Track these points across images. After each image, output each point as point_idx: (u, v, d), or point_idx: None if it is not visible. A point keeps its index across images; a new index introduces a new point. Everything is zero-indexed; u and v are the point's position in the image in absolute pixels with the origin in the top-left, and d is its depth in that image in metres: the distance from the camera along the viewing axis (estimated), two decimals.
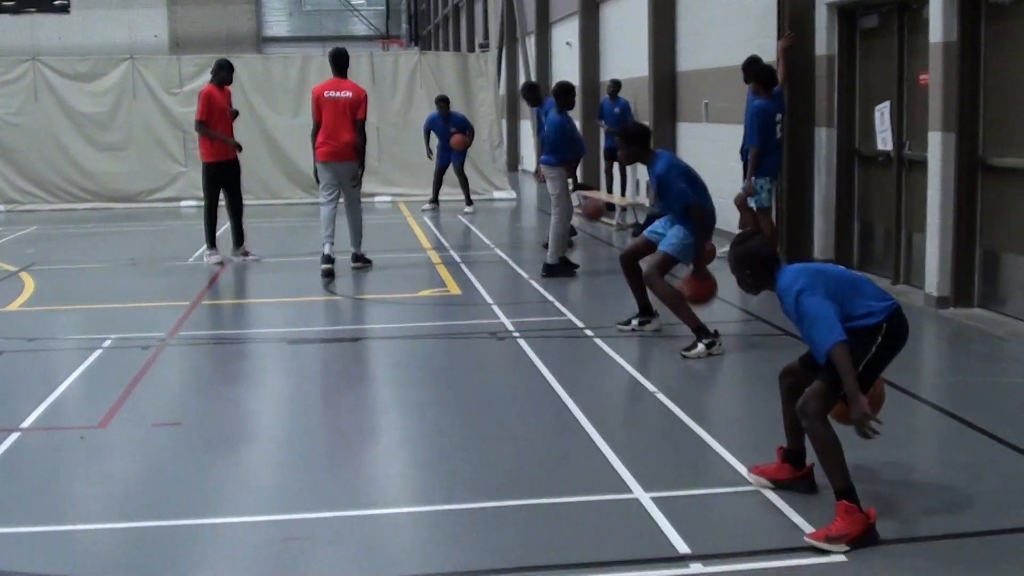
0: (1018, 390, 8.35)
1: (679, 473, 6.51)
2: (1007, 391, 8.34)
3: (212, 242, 15.10)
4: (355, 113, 13.92)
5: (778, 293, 5.72)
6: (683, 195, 9.55)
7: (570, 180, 14.46)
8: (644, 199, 19.90)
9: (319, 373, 9.46)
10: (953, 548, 5.33)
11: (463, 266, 14.49)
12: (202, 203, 22.63)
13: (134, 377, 8.84)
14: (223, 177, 15.17)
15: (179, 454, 7.03)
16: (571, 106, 14.01)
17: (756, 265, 5.80)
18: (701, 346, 9.28)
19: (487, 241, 17.43)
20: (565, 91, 14.00)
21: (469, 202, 21.87)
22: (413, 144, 23.40)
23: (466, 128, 21.86)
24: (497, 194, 24.52)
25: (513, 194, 24.81)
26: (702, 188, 9.77)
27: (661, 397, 8.00)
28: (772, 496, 5.95)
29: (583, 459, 6.74)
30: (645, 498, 5.95)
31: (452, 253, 15.84)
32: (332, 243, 13.90)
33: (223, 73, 15.34)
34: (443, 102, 21.72)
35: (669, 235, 9.63)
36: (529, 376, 8.74)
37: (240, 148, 15.33)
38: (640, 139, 9.85)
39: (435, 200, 22.03)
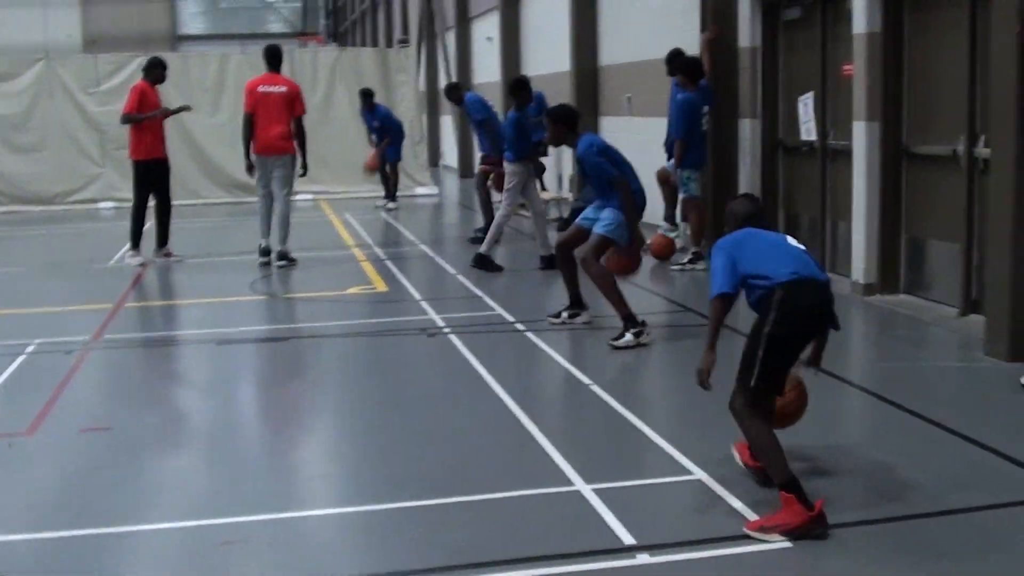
0: (949, 373, 8.46)
1: (619, 464, 6.48)
2: (938, 375, 8.44)
3: (137, 243, 14.82)
4: (291, 108, 14.26)
5: None
6: (603, 170, 9.45)
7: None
8: (567, 193, 19.93)
9: (250, 374, 9.32)
10: (898, 532, 5.35)
11: (388, 263, 14.39)
12: (121, 204, 22.65)
13: (60, 382, 8.64)
14: (153, 175, 14.86)
15: (110, 459, 6.86)
16: (528, 100, 13.92)
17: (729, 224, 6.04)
18: (629, 335, 9.27)
19: (411, 237, 17.34)
20: (520, 86, 14.02)
21: (393, 198, 21.76)
22: (334, 142, 23.27)
23: (391, 126, 21.71)
24: (419, 190, 24.44)
25: (435, 190, 24.74)
26: (629, 169, 9.69)
27: (596, 389, 7.98)
28: (714, 484, 5.95)
29: (523, 453, 6.69)
30: (587, 490, 5.91)
31: (376, 250, 15.72)
32: (267, 237, 14.46)
33: (156, 71, 15.03)
34: (364, 95, 21.63)
35: (603, 217, 9.56)
36: (462, 372, 8.68)
37: (189, 108, 15.87)
38: (566, 120, 9.78)
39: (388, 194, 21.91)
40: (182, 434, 7.54)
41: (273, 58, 14.61)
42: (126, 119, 14.65)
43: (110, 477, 6.53)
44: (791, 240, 5.90)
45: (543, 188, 20.64)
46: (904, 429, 7.00)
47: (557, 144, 10.16)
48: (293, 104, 14.29)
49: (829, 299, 5.73)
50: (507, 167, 13.73)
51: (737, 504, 5.67)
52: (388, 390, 8.35)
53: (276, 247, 14.38)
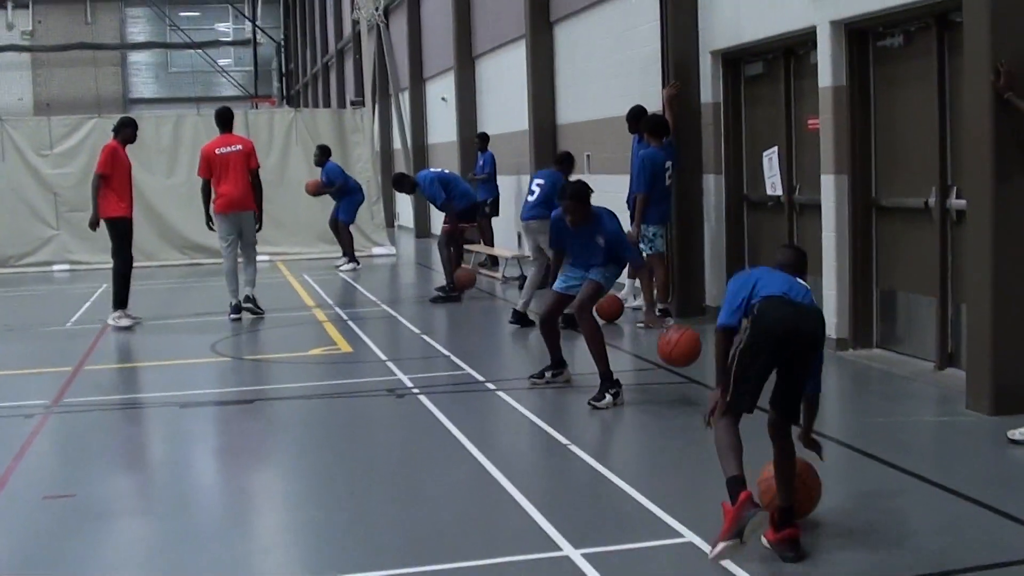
0: (933, 429, 8.29)
1: (606, 527, 6.23)
2: (922, 430, 8.27)
3: (125, 301, 14.32)
4: (248, 164, 14.70)
5: None
6: (631, 249, 9.72)
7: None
8: (526, 251, 19.75)
9: (215, 438, 9.00)
10: None
11: (350, 323, 14.13)
12: (76, 267, 22.27)
13: (20, 448, 8.29)
14: (130, 231, 14.34)
15: (74, 527, 6.54)
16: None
17: None
18: (608, 397, 9.04)
19: (371, 297, 17.09)
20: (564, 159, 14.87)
21: (353, 258, 21.53)
22: (289, 203, 23.03)
23: (335, 182, 21.57)
24: (376, 250, 24.20)
25: (393, 249, 24.51)
26: None
27: (575, 449, 7.74)
28: (706, 547, 5.69)
29: (505, 517, 6.43)
30: (576, 555, 5.65)
31: (337, 310, 15.45)
32: (237, 295, 14.73)
33: (127, 131, 14.45)
34: (320, 150, 21.58)
35: (599, 268, 9.41)
36: (435, 433, 8.41)
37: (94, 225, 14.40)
38: (589, 199, 9.41)
39: (346, 253, 21.65)
40: (147, 502, 7.19)
41: (225, 120, 15.02)
42: (97, 181, 13.96)
43: (74, 546, 6.20)
44: (801, 281, 5.84)
45: (488, 244, 20.54)
46: (895, 487, 6.79)
47: (579, 224, 9.42)
48: (249, 159, 14.78)
49: (812, 327, 5.67)
50: (538, 225, 13.57)
51: (730, 566, 5.44)
52: (359, 453, 8.07)
53: (247, 291, 14.79)
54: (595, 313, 9.61)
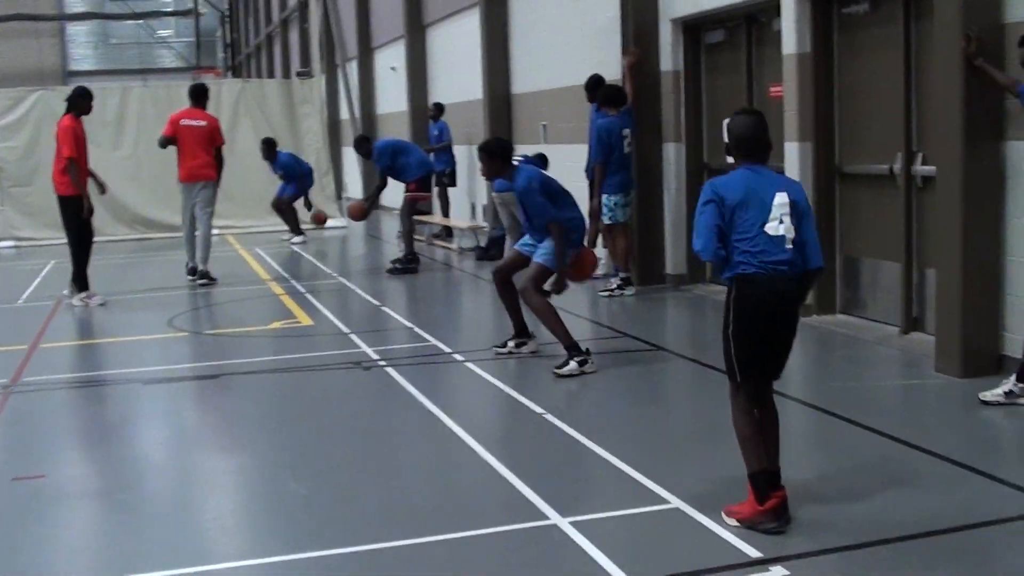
0: (905, 392, 8.40)
1: (592, 495, 6.26)
2: (894, 393, 8.37)
3: (86, 282, 14.00)
4: (212, 140, 15.51)
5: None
6: (543, 210, 9.27)
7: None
8: (482, 222, 19.74)
9: (184, 413, 8.90)
10: (886, 555, 5.19)
11: (308, 296, 14.05)
12: (21, 244, 21.97)
13: None
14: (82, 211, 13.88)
15: (43, 509, 6.45)
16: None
17: (730, 142, 5.70)
18: (573, 363, 9.07)
19: (327, 269, 17.02)
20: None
21: (299, 232, 21.42)
22: (238, 175, 22.72)
23: (295, 174, 21.43)
24: (328, 222, 24.03)
25: (344, 221, 24.38)
26: (568, 201, 9.50)
27: (551, 418, 7.76)
28: (693, 512, 5.75)
29: (488, 488, 6.43)
30: (564, 524, 5.67)
31: (293, 283, 15.37)
32: (194, 258, 15.65)
33: (83, 102, 13.91)
34: (265, 144, 21.26)
35: (542, 247, 9.37)
36: (407, 406, 8.39)
37: (104, 190, 14.36)
38: (502, 153, 9.61)
39: (293, 229, 21.52)
40: (118, 481, 7.06)
41: (196, 95, 15.84)
42: (73, 166, 13.51)
43: (42, 528, 6.11)
44: (780, 201, 5.53)
45: (445, 215, 20.50)
46: (871, 450, 6.87)
47: (492, 177, 9.89)
48: (213, 136, 15.55)
49: (791, 287, 5.60)
50: (509, 196, 13.60)
51: (719, 531, 5.48)
52: (333, 426, 8.03)
53: (198, 266, 15.49)
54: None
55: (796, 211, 5.56)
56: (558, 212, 9.28)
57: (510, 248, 13.28)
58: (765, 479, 5.53)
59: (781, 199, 5.52)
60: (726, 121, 5.74)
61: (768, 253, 5.50)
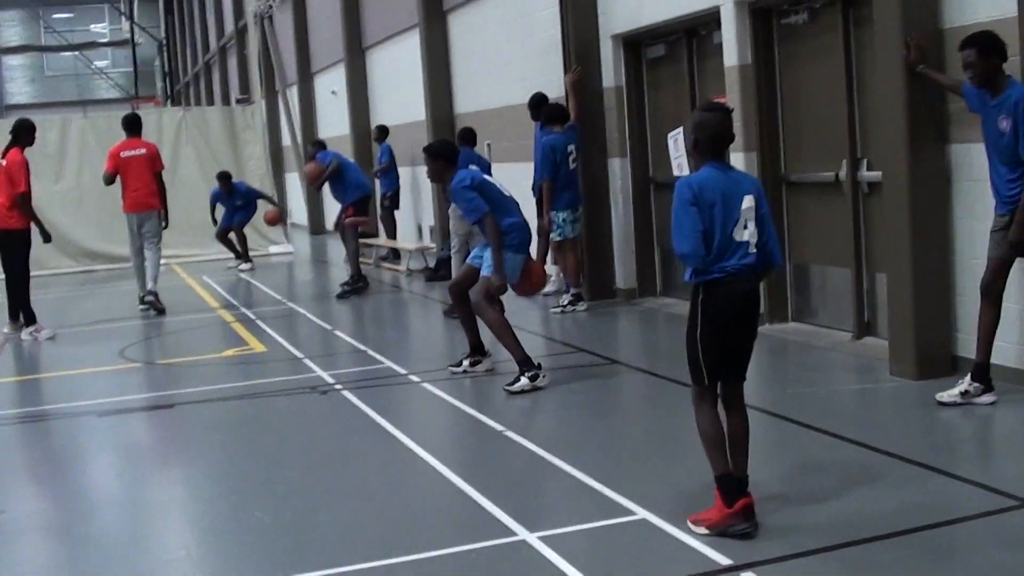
0: (862, 396, 8.45)
1: (557, 509, 6.25)
2: (851, 398, 8.42)
3: (33, 315, 13.82)
4: (153, 167, 15.50)
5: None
6: (473, 205, 9.16)
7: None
8: (429, 243, 19.73)
9: (140, 445, 8.79)
10: (856, 556, 5.22)
11: (259, 323, 13.96)
12: None
13: None
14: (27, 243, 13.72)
15: (8, 545, 6.37)
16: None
17: (698, 138, 5.62)
18: (524, 379, 9.05)
19: (276, 296, 16.92)
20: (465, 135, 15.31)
21: (248, 259, 21.31)
22: (181, 204, 22.58)
23: (252, 197, 21.38)
24: (274, 248, 23.98)
25: (291, 247, 24.29)
26: (507, 206, 9.42)
27: (511, 435, 7.74)
28: (660, 522, 5.75)
29: (454, 507, 6.41)
30: (533, 539, 5.65)
31: (244, 310, 15.27)
32: (144, 288, 15.53)
33: (29, 135, 13.79)
34: (223, 178, 21.13)
35: (486, 258, 9.36)
36: (366, 427, 8.34)
37: (48, 239, 14.12)
38: (445, 155, 9.58)
39: (239, 255, 21.38)
40: (77, 515, 6.96)
41: (129, 124, 15.73)
42: (24, 200, 13.35)
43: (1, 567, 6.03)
44: (747, 205, 5.55)
45: (392, 237, 20.46)
46: (831, 453, 6.92)
47: (437, 180, 9.85)
48: (154, 163, 15.54)
49: (755, 286, 5.71)
50: None
51: (688, 540, 5.49)
52: (293, 452, 7.96)
53: (148, 287, 15.38)
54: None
55: (759, 213, 5.60)
56: (495, 216, 9.23)
57: (459, 264, 13.29)
58: (733, 482, 5.55)
59: (748, 203, 5.55)
60: (695, 117, 5.69)
61: (734, 257, 5.53)
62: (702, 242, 5.48)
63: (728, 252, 5.52)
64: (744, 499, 5.57)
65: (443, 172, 9.58)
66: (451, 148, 9.78)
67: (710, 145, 5.61)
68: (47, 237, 13.91)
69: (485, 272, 9.35)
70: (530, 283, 9.62)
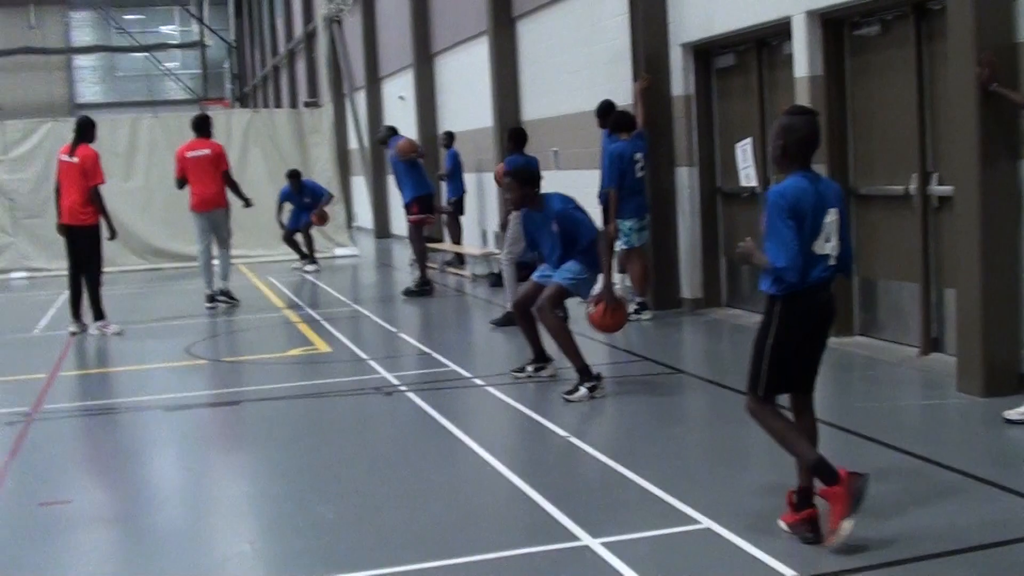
0: (929, 411, 8.38)
1: (621, 516, 6.23)
2: (919, 413, 8.36)
3: (102, 311, 14.08)
4: (218, 167, 15.83)
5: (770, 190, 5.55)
6: (589, 227, 9.33)
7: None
8: (494, 248, 19.77)
9: (208, 439, 8.91)
10: (927, 570, 5.19)
11: (324, 323, 14.06)
12: (34, 275, 21.99)
13: (7, 455, 8.18)
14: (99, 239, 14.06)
15: (69, 533, 6.46)
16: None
17: (787, 143, 5.49)
18: (583, 390, 9.03)
19: (341, 297, 17.04)
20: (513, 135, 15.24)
21: (313, 260, 21.49)
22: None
23: (321, 195, 21.62)
24: (339, 251, 24.13)
25: (356, 250, 24.45)
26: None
27: (575, 441, 7.75)
28: (725, 532, 5.73)
29: (516, 510, 6.43)
30: (596, 545, 5.66)
31: (309, 311, 15.38)
32: (211, 285, 16.01)
33: (94, 131, 14.22)
34: (293, 177, 21.36)
35: (564, 269, 9.36)
36: (430, 429, 8.39)
37: (114, 235, 14.24)
38: (534, 180, 9.58)
39: (304, 256, 21.60)
40: (145, 506, 7.06)
41: (197, 126, 16.09)
42: (97, 194, 13.76)
43: (65, 553, 6.11)
44: (831, 219, 5.49)
45: (456, 242, 20.53)
46: (896, 468, 6.85)
47: (521, 206, 9.63)
48: (218, 163, 15.88)
49: (831, 298, 5.66)
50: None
51: (754, 550, 5.46)
52: (358, 451, 8.04)
53: (221, 285, 16.00)
54: (599, 319, 9.49)
55: (841, 225, 5.54)
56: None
57: (511, 276, 13.31)
58: (827, 464, 5.43)
59: (832, 216, 5.49)
60: (781, 121, 5.54)
61: (815, 269, 5.46)
62: (800, 255, 5.35)
63: (810, 265, 5.45)
64: (810, 510, 5.55)
65: (531, 197, 9.48)
66: (535, 172, 9.78)
67: (799, 150, 5.48)
68: (113, 233, 14.04)
69: (556, 279, 9.35)
70: (616, 320, 9.57)
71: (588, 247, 9.30)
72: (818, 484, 5.55)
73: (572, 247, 9.35)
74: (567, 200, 9.45)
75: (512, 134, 15.41)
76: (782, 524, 5.70)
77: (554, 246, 9.44)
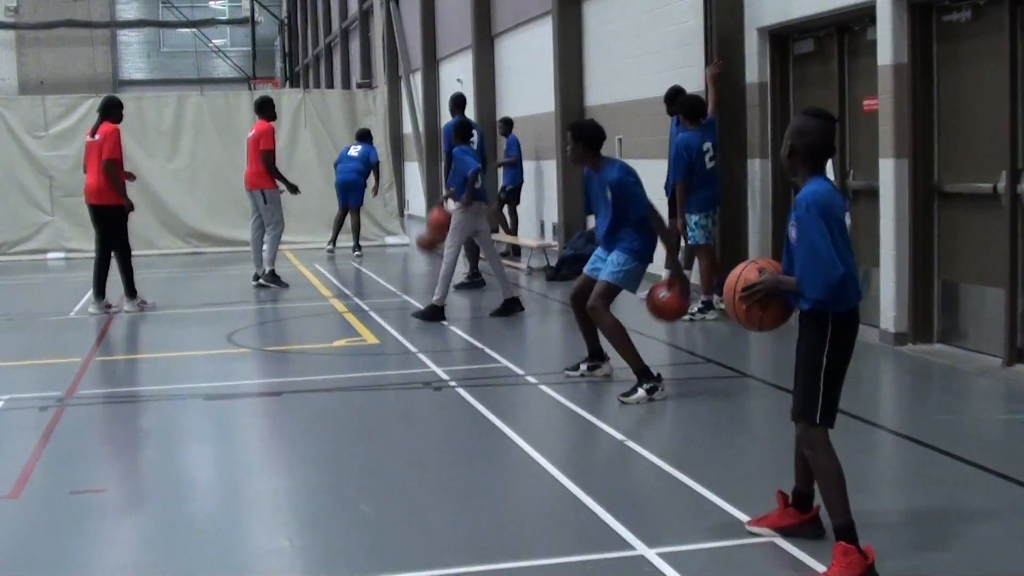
0: (1014, 426, 8.24)
1: (680, 526, 6.19)
2: (1001, 428, 8.22)
3: (134, 288, 14.59)
4: (258, 146, 16.52)
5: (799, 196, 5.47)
6: (642, 203, 9.22)
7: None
8: (552, 241, 19.75)
9: (249, 430, 8.96)
10: None
11: (372, 314, 14.08)
12: (71, 255, 22.20)
13: (39, 441, 8.26)
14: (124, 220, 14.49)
15: (105, 524, 6.51)
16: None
17: (796, 145, 5.43)
18: (641, 391, 8.95)
19: (390, 287, 17.08)
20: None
21: (357, 248, 21.55)
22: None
23: (369, 168, 21.70)
24: (390, 239, 24.16)
25: (407, 239, 24.48)
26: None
27: (632, 444, 7.71)
28: (788, 547, 5.68)
29: (568, 514, 6.40)
30: (652, 555, 5.61)
31: (357, 301, 15.42)
32: (258, 265, 16.84)
33: (115, 111, 14.60)
34: (364, 136, 22.14)
35: (608, 263, 9.28)
36: (480, 427, 8.38)
37: (131, 208, 14.58)
38: (590, 136, 9.40)
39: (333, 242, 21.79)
40: (183, 497, 7.11)
41: (257, 107, 17.30)
42: (113, 167, 14.08)
43: (98, 543, 6.17)
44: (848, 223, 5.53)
45: (513, 233, 20.49)
46: (979, 489, 6.74)
47: (578, 162, 9.61)
48: (259, 142, 16.57)
49: None
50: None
51: (818, 565, 5.40)
52: (404, 447, 8.05)
53: (263, 268, 16.69)
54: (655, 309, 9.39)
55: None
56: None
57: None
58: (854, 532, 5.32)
59: (848, 220, 5.47)
60: (795, 121, 5.48)
61: (854, 282, 5.44)
62: (839, 263, 5.27)
63: (855, 275, 5.43)
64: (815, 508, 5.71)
65: (586, 156, 9.43)
66: (597, 132, 9.57)
67: (808, 155, 5.39)
68: (130, 206, 14.41)
69: (604, 277, 9.29)
70: (676, 309, 9.45)
71: (638, 223, 9.19)
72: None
73: (623, 220, 9.25)
74: (627, 172, 9.32)
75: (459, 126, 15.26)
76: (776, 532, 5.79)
77: (606, 214, 9.38)
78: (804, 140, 5.39)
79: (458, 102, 17.05)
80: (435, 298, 13.30)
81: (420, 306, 14.18)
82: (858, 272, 5.49)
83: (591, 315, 9.36)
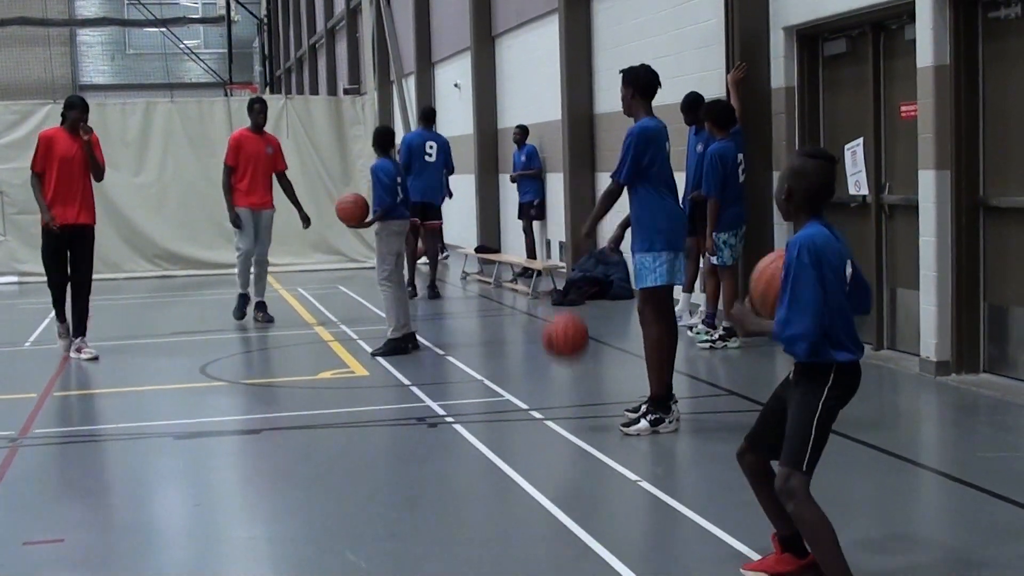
0: None
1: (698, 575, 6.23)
2: None
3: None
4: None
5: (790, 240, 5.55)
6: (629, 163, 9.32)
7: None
8: (559, 261, 19.80)
9: (223, 473, 8.99)
10: None
11: (361, 342, 14.12)
12: (25, 279, 22.19)
13: None
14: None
15: None
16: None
17: (794, 189, 5.52)
18: (644, 422, 9.03)
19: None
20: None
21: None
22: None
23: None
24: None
25: None
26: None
27: (646, 486, 7.74)
28: None
29: (578, 565, 6.43)
30: None
31: (343, 328, 15.46)
32: (245, 287, 16.11)
33: (67, 111, 13.64)
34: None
35: (638, 268, 9.29)
36: (480, 468, 8.43)
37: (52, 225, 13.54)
38: (639, 85, 9.46)
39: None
40: (149, 548, 7.14)
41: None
42: (34, 179, 13.55)
43: None
44: (849, 271, 5.57)
45: (529, 254, 20.60)
46: None
47: (629, 114, 9.68)
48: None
49: None
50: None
51: None
52: (396, 489, 8.08)
53: (257, 298, 16.09)
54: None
55: (855, 272, 5.62)
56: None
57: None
58: None
59: (850, 270, 5.57)
60: (792, 162, 5.61)
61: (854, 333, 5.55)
62: (820, 321, 5.38)
63: (850, 324, 5.52)
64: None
65: (633, 106, 9.50)
66: (652, 79, 9.57)
67: (807, 199, 5.50)
68: (51, 222, 13.32)
69: (643, 286, 9.27)
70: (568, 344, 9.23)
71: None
72: None
73: (640, 178, 9.37)
74: (649, 129, 9.35)
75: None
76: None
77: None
78: (802, 183, 5.50)
79: (426, 114, 17.29)
80: (389, 331, 13.21)
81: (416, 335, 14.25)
82: (855, 326, 5.58)
83: (640, 319, 9.31)
